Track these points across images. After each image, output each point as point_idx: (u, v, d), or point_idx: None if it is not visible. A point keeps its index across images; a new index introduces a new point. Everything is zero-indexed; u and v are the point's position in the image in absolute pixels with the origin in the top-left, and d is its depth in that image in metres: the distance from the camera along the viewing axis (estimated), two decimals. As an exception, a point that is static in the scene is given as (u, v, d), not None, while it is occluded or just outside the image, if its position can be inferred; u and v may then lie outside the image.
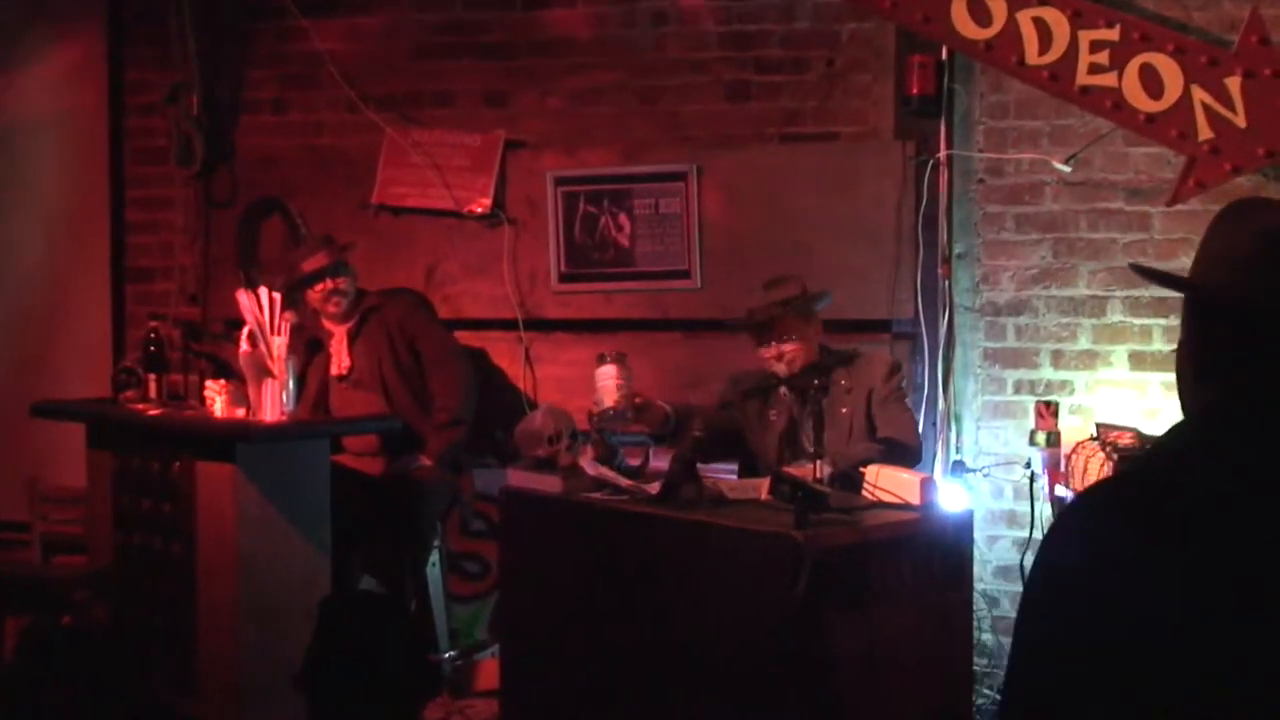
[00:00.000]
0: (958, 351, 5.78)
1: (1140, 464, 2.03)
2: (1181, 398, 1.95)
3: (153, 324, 6.01)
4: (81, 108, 7.02)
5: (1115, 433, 4.65)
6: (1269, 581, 1.67)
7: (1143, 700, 1.68)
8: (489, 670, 5.60)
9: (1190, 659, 1.66)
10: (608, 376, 4.79)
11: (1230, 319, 1.89)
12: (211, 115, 6.76)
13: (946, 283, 5.75)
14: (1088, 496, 1.95)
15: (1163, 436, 1.89)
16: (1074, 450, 4.97)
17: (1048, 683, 1.76)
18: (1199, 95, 5.10)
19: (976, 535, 4.76)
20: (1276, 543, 1.70)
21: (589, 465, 4.62)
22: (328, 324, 5.90)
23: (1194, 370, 1.92)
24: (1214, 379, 1.89)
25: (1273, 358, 1.85)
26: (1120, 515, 1.80)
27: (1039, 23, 5.24)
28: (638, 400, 4.81)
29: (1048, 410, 5.43)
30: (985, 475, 5.70)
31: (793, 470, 4.47)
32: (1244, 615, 1.67)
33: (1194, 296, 1.93)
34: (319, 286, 5.77)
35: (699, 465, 4.46)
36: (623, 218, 6.15)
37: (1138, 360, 5.62)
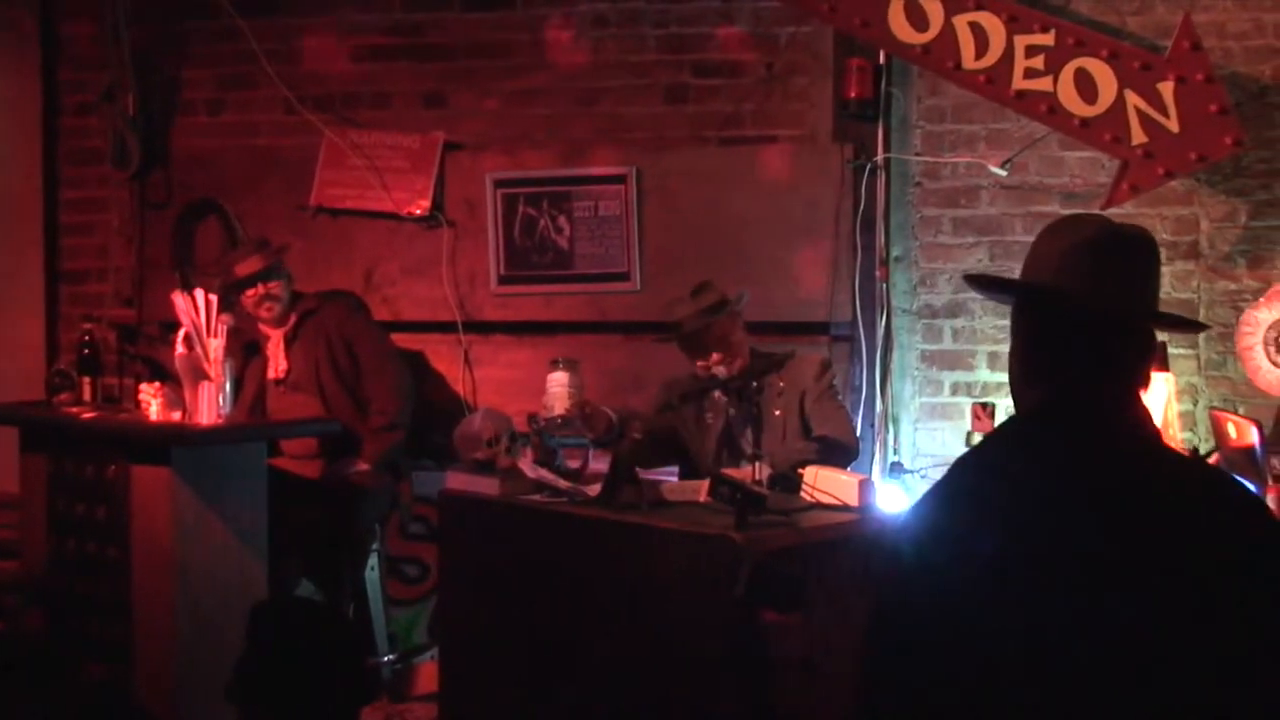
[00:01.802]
0: (895, 354, 5.82)
1: (975, 456, 2.26)
2: (1014, 397, 2.20)
3: (87, 326, 5.96)
4: (14, 107, 6.94)
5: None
6: (1064, 564, 1.96)
7: (963, 652, 1.98)
8: (428, 674, 5.59)
9: (995, 621, 1.97)
10: (558, 384, 4.77)
11: (1054, 321, 2.15)
12: (147, 116, 6.69)
13: (884, 285, 5.78)
14: (936, 484, 2.21)
15: (995, 431, 2.18)
16: (1010, 452, 5.00)
17: (890, 638, 2.09)
18: (1133, 100, 5.16)
19: (914, 536, 4.78)
20: (1078, 531, 1.98)
21: (528, 467, 4.61)
22: (264, 327, 5.86)
23: (1022, 372, 2.18)
24: (1040, 381, 2.15)
25: (1092, 359, 2.12)
26: (954, 500, 2.12)
27: (975, 27, 5.28)
28: (587, 409, 4.81)
29: (984, 412, 5.47)
30: (923, 477, 5.73)
31: (732, 472, 4.48)
32: (1042, 591, 1.96)
33: (1024, 300, 2.19)
34: (251, 291, 5.73)
35: (639, 470, 4.46)
36: (562, 220, 6.15)
37: (1073, 362, 5.66)
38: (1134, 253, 2.19)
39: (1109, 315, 2.14)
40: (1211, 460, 4.53)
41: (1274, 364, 5.10)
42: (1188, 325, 2.34)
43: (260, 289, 5.73)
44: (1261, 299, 5.28)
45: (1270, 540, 2.01)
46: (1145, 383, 2.17)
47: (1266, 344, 5.11)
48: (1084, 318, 2.13)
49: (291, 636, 2.99)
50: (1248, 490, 2.31)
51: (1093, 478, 2.04)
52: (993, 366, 5.75)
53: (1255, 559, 1.98)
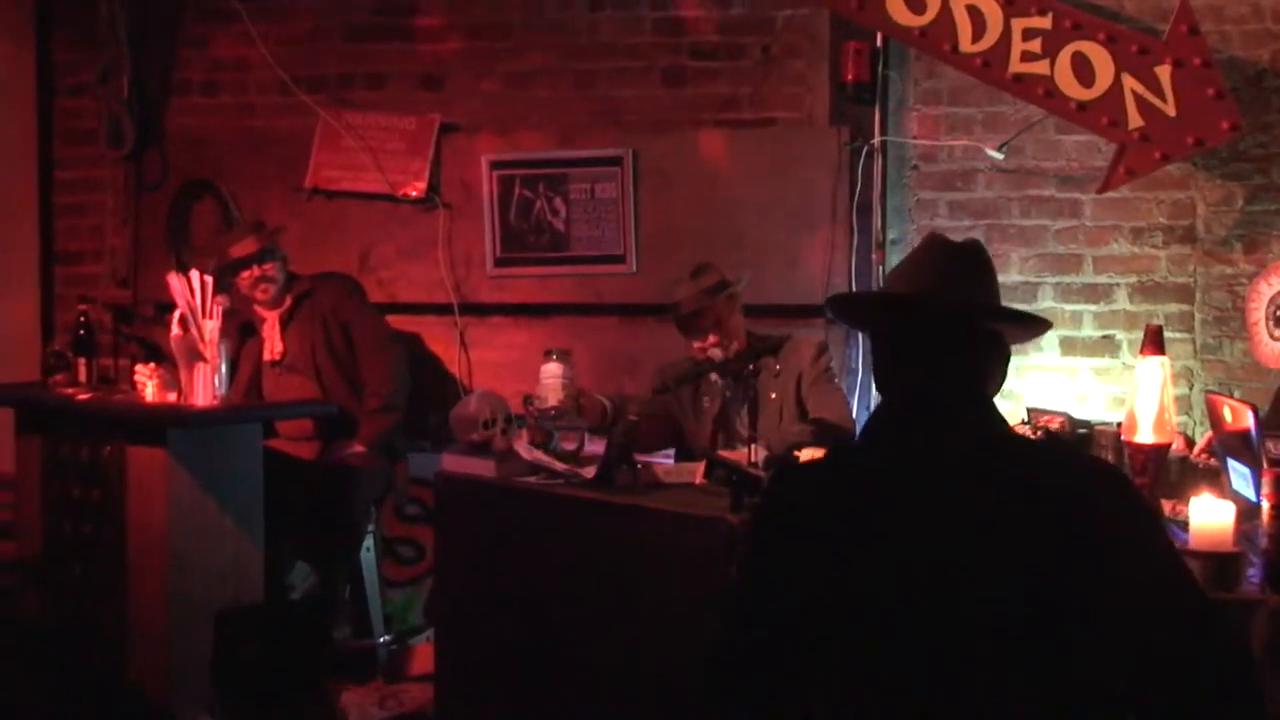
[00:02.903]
0: (891, 337, 5.81)
1: (841, 446, 2.75)
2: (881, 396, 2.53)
3: (82, 307, 5.95)
4: (9, 89, 6.92)
5: (1046, 417, 4.68)
6: (889, 539, 2.29)
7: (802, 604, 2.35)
8: (424, 655, 5.59)
9: (829, 581, 2.33)
10: (552, 375, 4.76)
11: (896, 326, 2.45)
12: (142, 96, 6.69)
13: (880, 268, 5.78)
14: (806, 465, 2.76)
15: (864, 425, 2.49)
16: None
17: (741, 588, 2.50)
18: (1129, 84, 5.15)
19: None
20: (905, 514, 2.30)
21: (524, 449, 4.61)
22: (260, 309, 5.86)
23: (876, 377, 2.51)
24: (888, 382, 2.47)
25: (929, 358, 2.40)
26: (809, 478, 2.54)
27: (972, 10, 5.27)
28: (581, 400, 4.81)
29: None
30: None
31: (727, 455, 4.48)
32: (868, 557, 2.30)
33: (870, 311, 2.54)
34: (246, 273, 5.72)
35: (635, 452, 4.46)
36: (558, 202, 6.14)
37: (1068, 346, 5.68)
38: (966, 259, 2.50)
39: (940, 312, 2.41)
40: (1204, 441, 4.53)
41: (1273, 338, 5.11)
42: (1030, 320, 2.49)
43: (256, 271, 5.73)
44: (1266, 272, 5.27)
45: (1108, 500, 2.28)
46: (992, 384, 2.45)
47: (1268, 319, 5.12)
48: (920, 319, 2.42)
49: (256, 638, 2.98)
50: (1095, 460, 2.80)
51: (927, 462, 2.35)
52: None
53: (1096, 519, 2.24)
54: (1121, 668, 2.20)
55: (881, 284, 5.74)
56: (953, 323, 2.41)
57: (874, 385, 2.53)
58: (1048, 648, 2.20)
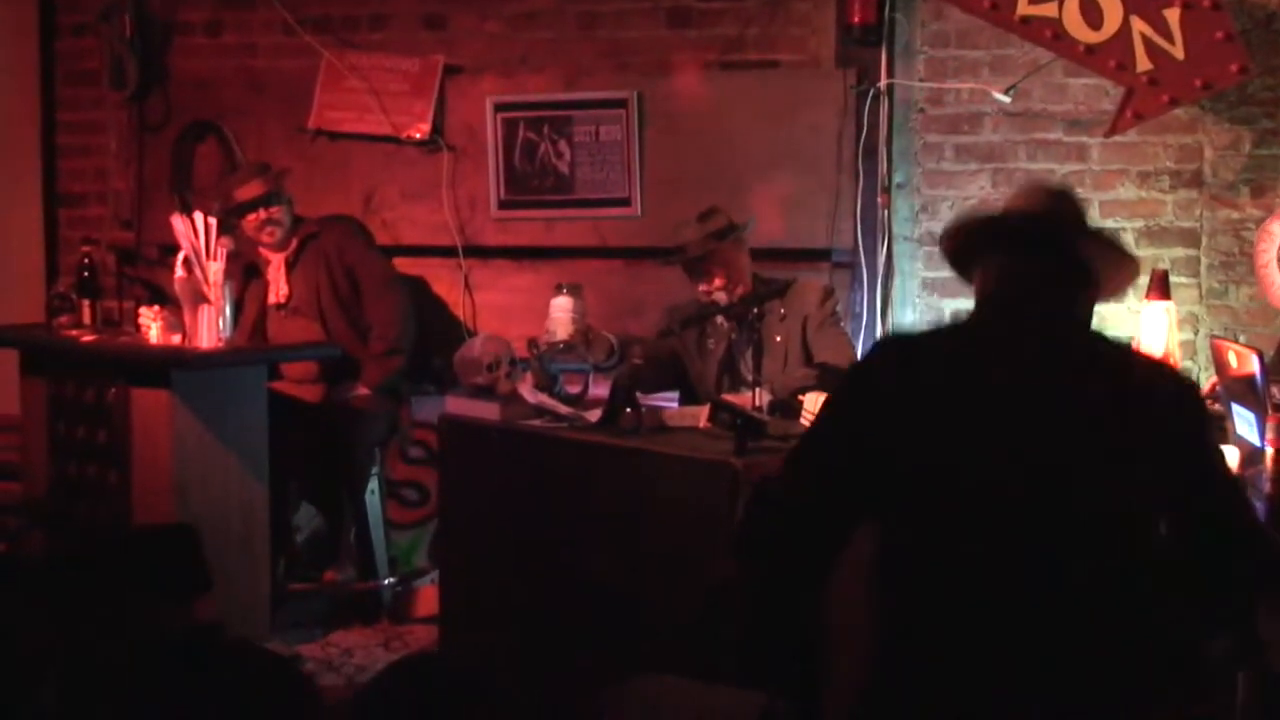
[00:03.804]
0: (896, 281, 5.80)
1: (950, 328, 2.86)
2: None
3: (86, 249, 5.94)
4: (11, 28, 6.89)
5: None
6: (1003, 423, 2.53)
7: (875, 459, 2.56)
8: (428, 597, 5.62)
9: (908, 444, 2.54)
10: (562, 309, 4.76)
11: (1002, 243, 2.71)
12: (144, 37, 6.65)
13: (886, 212, 5.76)
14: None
15: (969, 319, 2.72)
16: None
17: (807, 446, 2.72)
18: (1138, 26, 5.11)
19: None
20: (1020, 400, 2.54)
21: (528, 392, 4.62)
22: (265, 251, 5.85)
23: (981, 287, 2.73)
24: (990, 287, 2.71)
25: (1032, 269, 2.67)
26: (891, 353, 2.74)
27: (981, -49, 5.23)
28: (590, 335, 4.81)
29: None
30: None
31: (732, 398, 4.49)
32: (981, 437, 2.53)
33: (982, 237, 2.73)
34: (252, 216, 5.71)
35: (640, 395, 4.46)
36: (563, 144, 6.11)
37: (1074, 290, 5.65)
38: (1064, 194, 2.83)
39: (1038, 229, 2.70)
40: (1208, 386, 4.54)
41: None
42: (1117, 249, 2.81)
43: (262, 214, 5.71)
44: (1277, 214, 5.25)
45: (1190, 403, 2.64)
46: (1095, 292, 2.71)
47: (1278, 260, 5.11)
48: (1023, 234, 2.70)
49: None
50: (1174, 369, 3.14)
51: (1039, 355, 2.61)
52: (993, 294, 5.72)
53: (1170, 409, 2.58)
54: (1186, 544, 2.61)
55: (889, 228, 5.75)
56: (1070, 244, 2.68)
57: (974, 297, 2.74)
58: (1136, 527, 2.55)
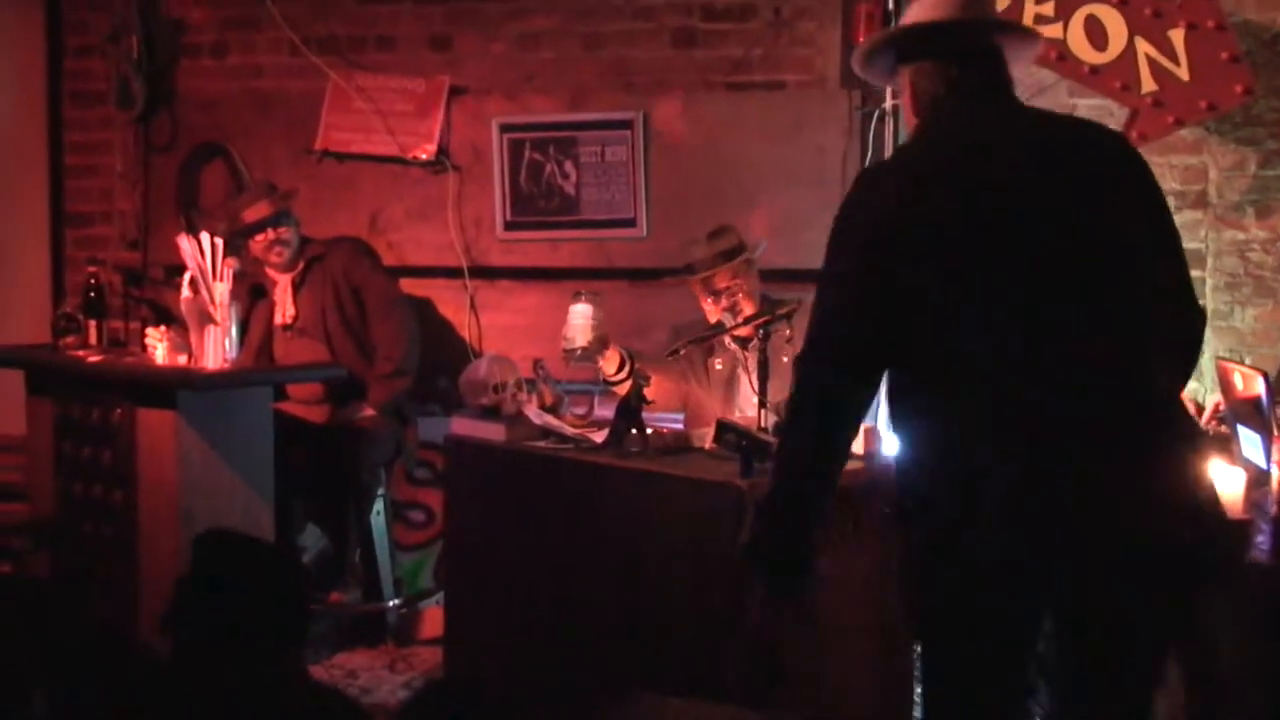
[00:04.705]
0: (901, 301, 5.79)
1: (910, 147, 3.14)
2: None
3: (92, 269, 5.94)
4: (18, 49, 6.91)
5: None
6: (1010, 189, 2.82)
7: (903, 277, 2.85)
8: (434, 618, 5.61)
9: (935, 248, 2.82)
10: (582, 316, 4.76)
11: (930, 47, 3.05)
12: (151, 57, 6.67)
13: (891, 233, 5.75)
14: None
15: (930, 121, 3.03)
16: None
17: (834, 278, 3.10)
18: (1143, 47, 5.12)
19: (919, 484, 4.78)
20: (1019, 169, 2.86)
21: (534, 413, 4.61)
22: (271, 272, 5.86)
23: (915, 108, 3.08)
24: (928, 108, 3.05)
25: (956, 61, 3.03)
26: (890, 169, 3.09)
27: (985, -27, 5.23)
28: (608, 343, 4.82)
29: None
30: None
31: (738, 419, 4.48)
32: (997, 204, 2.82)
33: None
34: (261, 237, 5.73)
35: (645, 416, 4.46)
36: (568, 165, 6.13)
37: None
38: None
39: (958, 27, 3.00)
40: (1213, 408, 4.55)
41: None
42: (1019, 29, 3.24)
43: (270, 234, 5.73)
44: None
45: (1124, 146, 3.06)
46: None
47: None
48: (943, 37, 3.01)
49: (228, 568, 2.97)
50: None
51: (1015, 131, 2.95)
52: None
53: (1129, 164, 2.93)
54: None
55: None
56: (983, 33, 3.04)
57: (913, 115, 3.09)
58: (1135, 261, 2.82)
